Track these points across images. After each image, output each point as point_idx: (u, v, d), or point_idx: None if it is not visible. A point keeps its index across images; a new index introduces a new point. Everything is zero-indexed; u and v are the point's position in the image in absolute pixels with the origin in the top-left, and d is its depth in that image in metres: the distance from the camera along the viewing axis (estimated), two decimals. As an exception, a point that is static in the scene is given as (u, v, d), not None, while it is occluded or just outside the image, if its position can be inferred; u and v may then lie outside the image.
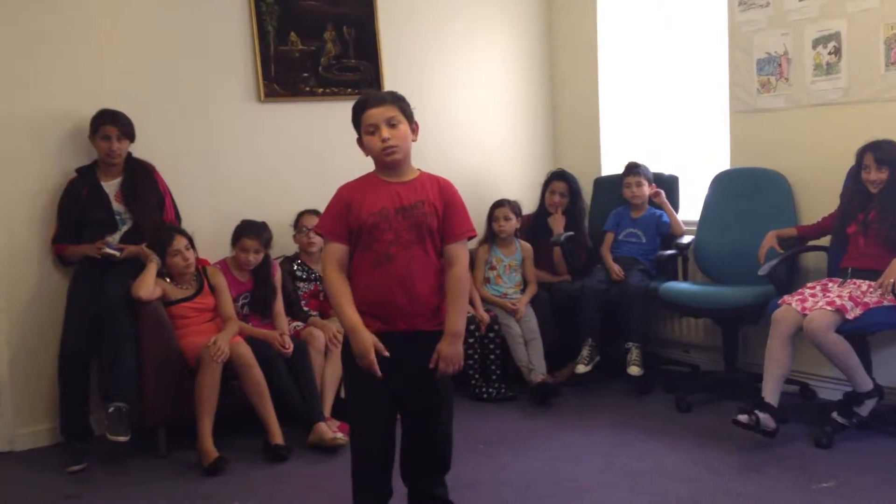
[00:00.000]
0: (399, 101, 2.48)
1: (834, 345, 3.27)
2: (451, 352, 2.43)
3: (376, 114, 2.43)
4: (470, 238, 2.55)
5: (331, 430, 3.61)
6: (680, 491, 3.03)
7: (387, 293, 2.42)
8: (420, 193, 2.46)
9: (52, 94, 3.86)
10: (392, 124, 2.44)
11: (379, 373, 2.38)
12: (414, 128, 2.51)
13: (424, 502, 2.60)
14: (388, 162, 2.45)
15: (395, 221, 2.42)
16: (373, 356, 2.37)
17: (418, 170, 2.54)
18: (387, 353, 2.39)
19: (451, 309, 2.44)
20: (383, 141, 2.42)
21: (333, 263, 2.46)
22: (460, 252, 2.49)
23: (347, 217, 2.44)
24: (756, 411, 3.32)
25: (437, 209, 2.45)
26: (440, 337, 2.47)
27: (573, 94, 5.23)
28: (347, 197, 2.47)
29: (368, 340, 2.38)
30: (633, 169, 4.45)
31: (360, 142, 2.50)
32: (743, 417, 3.31)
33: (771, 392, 3.38)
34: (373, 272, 2.43)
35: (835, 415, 3.42)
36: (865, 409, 3.38)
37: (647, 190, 4.42)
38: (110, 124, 3.74)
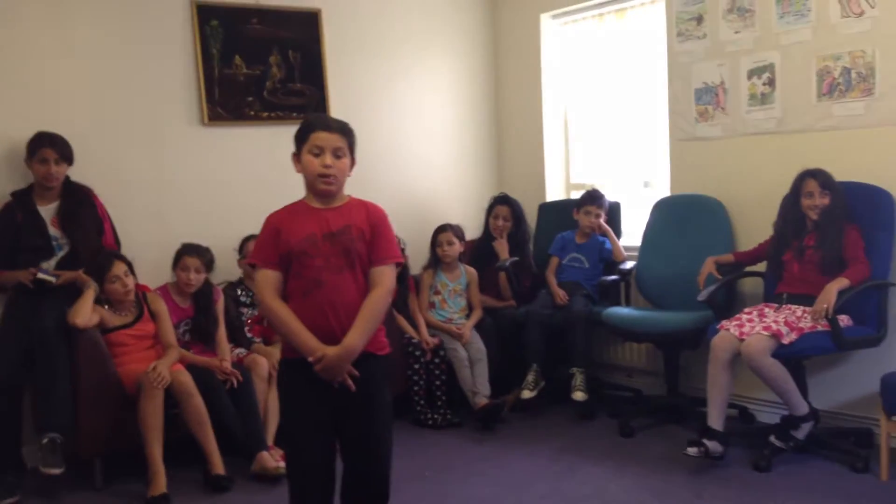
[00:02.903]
0: (349, 135, 2.48)
1: (770, 369, 3.34)
2: (334, 363, 2.36)
3: (326, 138, 2.42)
4: (398, 265, 2.53)
5: (274, 459, 3.56)
6: (623, 516, 3.06)
7: (320, 318, 2.39)
8: (347, 218, 2.45)
9: (-13, 116, 3.77)
10: (338, 155, 2.43)
11: (352, 386, 2.39)
12: (352, 162, 2.50)
13: None
14: (321, 190, 2.44)
15: (324, 247, 2.40)
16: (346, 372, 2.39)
17: (348, 196, 2.53)
18: (356, 373, 2.40)
19: (356, 325, 2.39)
20: (325, 167, 2.41)
21: (271, 291, 2.43)
22: (384, 276, 2.45)
23: (278, 244, 2.43)
24: (704, 440, 3.38)
25: (365, 234, 2.44)
26: (375, 360, 2.46)
27: (518, 120, 5.29)
28: (277, 224, 2.46)
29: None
30: (597, 199, 4.50)
31: (296, 157, 2.48)
32: (692, 451, 3.38)
33: (715, 418, 3.45)
34: (304, 299, 2.41)
35: (772, 438, 3.49)
36: (802, 432, 3.46)
37: (602, 221, 4.48)
38: (48, 147, 3.66)
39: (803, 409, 3.44)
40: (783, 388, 3.38)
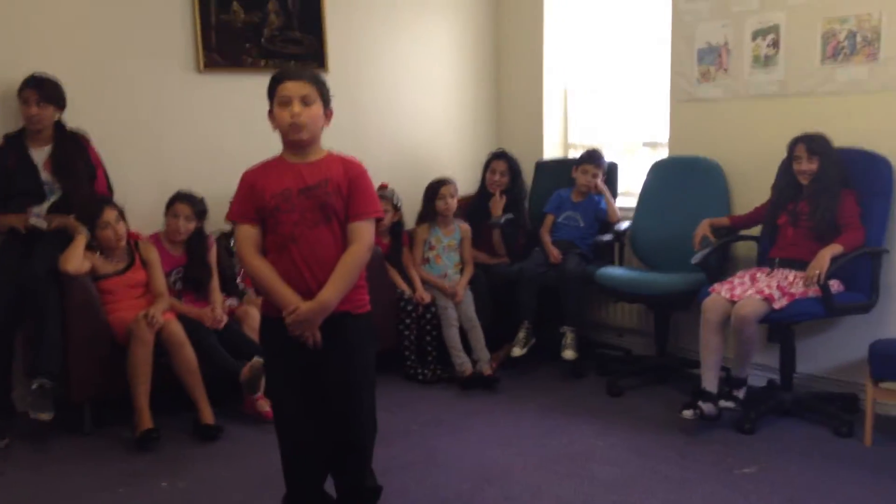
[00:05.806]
0: (318, 83, 2.43)
1: (754, 333, 3.40)
2: (306, 316, 2.34)
3: (292, 87, 2.38)
4: (378, 220, 2.51)
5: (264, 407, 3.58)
6: (608, 474, 3.08)
7: (295, 275, 2.37)
8: (324, 173, 2.41)
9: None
10: (306, 103, 2.38)
11: (319, 339, 2.37)
12: (328, 113, 2.46)
13: (352, 494, 2.58)
14: (293, 140, 2.40)
15: (299, 202, 2.37)
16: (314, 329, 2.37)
17: (327, 151, 2.49)
18: (319, 341, 2.39)
19: (331, 280, 2.36)
20: (292, 116, 2.36)
21: (250, 247, 2.42)
22: (363, 231, 2.42)
23: (253, 199, 2.40)
24: (699, 403, 3.42)
25: (341, 189, 2.40)
26: (352, 319, 2.44)
27: (518, 76, 5.23)
28: (251, 179, 2.44)
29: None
30: (596, 159, 4.47)
31: (270, 114, 2.45)
32: (688, 413, 3.41)
33: (709, 380, 3.48)
34: (280, 255, 2.39)
35: (722, 402, 3.49)
36: (742, 393, 3.56)
37: (600, 181, 4.45)
38: (31, 88, 3.61)
39: (748, 373, 3.56)
40: (751, 352, 3.47)
